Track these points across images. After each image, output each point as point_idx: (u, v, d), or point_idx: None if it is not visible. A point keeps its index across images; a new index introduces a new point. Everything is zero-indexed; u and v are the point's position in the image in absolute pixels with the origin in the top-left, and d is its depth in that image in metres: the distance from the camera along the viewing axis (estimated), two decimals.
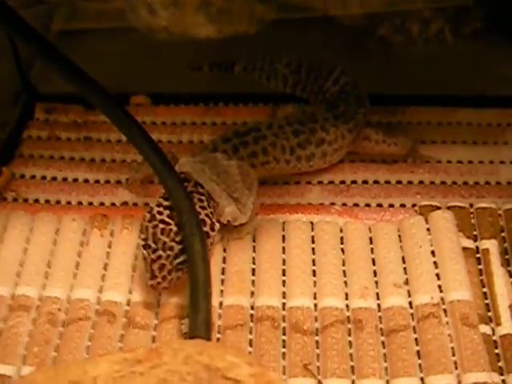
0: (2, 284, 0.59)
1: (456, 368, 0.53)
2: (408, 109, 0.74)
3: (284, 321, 0.57)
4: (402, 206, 0.65)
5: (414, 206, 0.65)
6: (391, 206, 0.65)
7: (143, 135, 0.60)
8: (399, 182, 0.67)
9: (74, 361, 0.54)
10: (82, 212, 0.65)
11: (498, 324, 0.56)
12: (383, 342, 0.55)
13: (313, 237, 0.62)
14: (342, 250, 0.61)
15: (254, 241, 0.62)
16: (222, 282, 0.59)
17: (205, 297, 0.53)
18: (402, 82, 0.78)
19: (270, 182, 0.67)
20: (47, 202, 0.67)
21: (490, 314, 0.57)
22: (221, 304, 0.58)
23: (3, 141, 0.73)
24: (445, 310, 0.56)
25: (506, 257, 0.60)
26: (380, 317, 0.57)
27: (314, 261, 0.60)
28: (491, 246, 0.61)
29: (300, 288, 0.58)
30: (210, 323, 0.53)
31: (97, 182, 0.69)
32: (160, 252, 0.55)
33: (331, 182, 0.67)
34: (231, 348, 0.52)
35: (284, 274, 0.59)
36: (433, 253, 0.60)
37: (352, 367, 0.54)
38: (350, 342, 0.55)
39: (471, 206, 0.64)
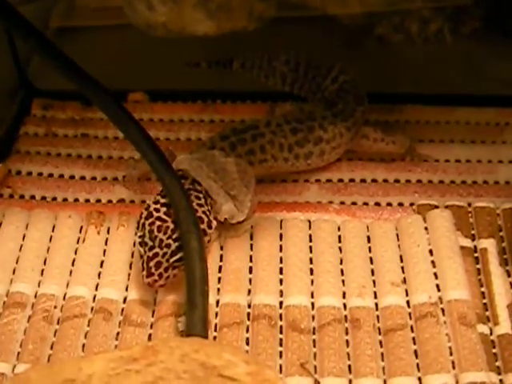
0: None
1: (453, 367, 0.53)
2: (406, 107, 0.74)
3: (281, 319, 0.56)
4: (400, 204, 0.65)
5: (411, 204, 0.65)
6: (389, 204, 0.65)
7: (141, 132, 0.60)
8: (397, 181, 0.67)
9: (70, 358, 0.54)
10: (78, 209, 0.65)
11: (496, 323, 0.56)
12: (381, 341, 0.55)
13: (310, 235, 0.62)
14: (340, 248, 0.61)
15: (251, 239, 0.62)
16: (219, 279, 0.59)
17: (201, 295, 0.53)
18: (401, 81, 0.78)
19: (267, 179, 0.66)
20: (43, 198, 0.67)
21: (487, 313, 0.57)
22: (218, 302, 0.57)
23: (0, 137, 0.73)
24: (442, 310, 0.56)
25: (504, 256, 0.60)
26: (377, 316, 0.56)
27: (311, 259, 0.60)
28: (489, 245, 0.61)
29: (297, 286, 0.58)
30: (207, 321, 0.52)
31: (93, 178, 0.68)
32: (157, 249, 0.55)
33: (329, 181, 0.67)
34: (228, 346, 0.52)
35: (281, 273, 0.59)
36: (431, 252, 0.60)
37: (349, 366, 0.54)
38: (347, 340, 0.55)
39: (469, 205, 0.64)
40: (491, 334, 0.56)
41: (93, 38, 0.85)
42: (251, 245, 0.61)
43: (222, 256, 0.61)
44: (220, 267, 0.60)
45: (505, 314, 0.56)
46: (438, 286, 0.57)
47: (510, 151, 0.69)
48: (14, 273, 0.60)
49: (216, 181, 0.60)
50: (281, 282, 0.59)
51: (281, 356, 0.54)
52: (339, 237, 0.62)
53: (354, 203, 0.65)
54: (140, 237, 0.56)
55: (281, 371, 0.53)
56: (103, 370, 0.43)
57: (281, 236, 0.62)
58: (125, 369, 0.43)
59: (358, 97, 0.69)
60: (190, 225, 0.55)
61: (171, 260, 0.55)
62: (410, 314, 0.56)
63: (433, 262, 0.59)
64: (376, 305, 0.57)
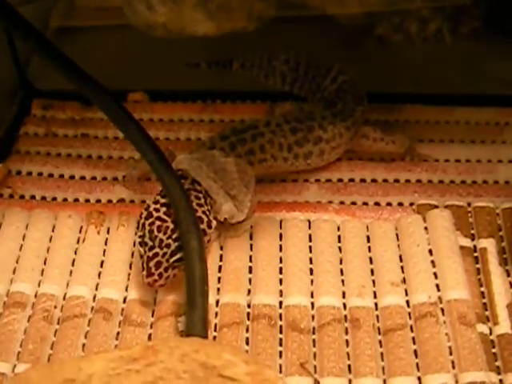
0: None
1: (453, 367, 0.53)
2: (406, 107, 0.74)
3: (281, 319, 0.56)
4: (400, 204, 0.65)
5: (411, 204, 0.65)
6: (389, 204, 0.65)
7: (140, 132, 0.60)
8: (397, 181, 0.67)
9: (70, 358, 0.54)
10: (78, 209, 0.65)
11: (496, 323, 0.56)
12: (380, 341, 0.55)
13: (310, 235, 0.62)
14: (340, 248, 0.61)
15: (251, 239, 0.62)
16: (219, 279, 0.59)
17: (201, 294, 0.53)
18: (400, 81, 0.78)
19: (267, 179, 0.66)
20: (43, 198, 0.67)
21: (487, 313, 0.57)
22: (217, 302, 0.57)
23: (0, 137, 0.73)
24: (442, 309, 0.56)
25: (504, 256, 0.60)
26: (377, 315, 0.56)
27: (311, 259, 0.60)
28: (489, 244, 0.61)
29: (297, 286, 0.58)
30: (207, 321, 0.52)
31: (93, 178, 0.68)
32: (156, 249, 0.55)
33: (329, 180, 0.67)
34: (228, 346, 0.52)
35: (281, 272, 0.59)
36: (430, 251, 0.60)
37: (349, 366, 0.54)
38: (346, 340, 0.55)
39: (469, 204, 0.64)
40: (491, 333, 0.56)
41: (93, 37, 0.85)
42: (251, 245, 0.61)
43: (221, 256, 0.61)
44: (220, 267, 0.60)
45: (504, 313, 0.56)
46: (437, 285, 0.57)
47: (510, 151, 0.69)
48: (14, 273, 0.60)
49: (216, 181, 0.60)
50: (280, 281, 0.59)
51: (280, 356, 0.54)
52: (339, 237, 0.62)
53: (353, 203, 0.65)
54: (140, 237, 0.56)
55: (280, 371, 0.53)
56: (103, 369, 0.43)
57: (280, 236, 0.62)
58: (125, 369, 0.43)
59: (358, 97, 0.69)
60: (189, 225, 0.55)
61: (171, 260, 0.55)
62: (409, 313, 0.56)
63: (432, 261, 0.59)
64: (376, 304, 0.57)
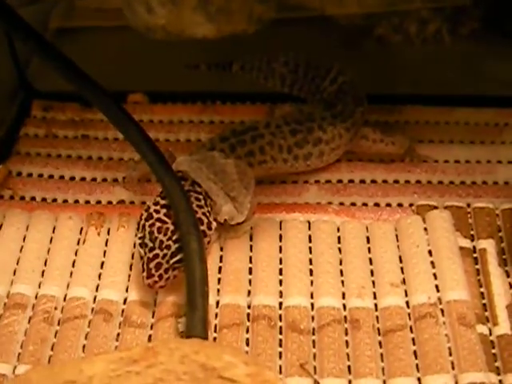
0: None
1: (453, 368, 0.53)
2: (406, 108, 0.74)
3: (281, 320, 0.56)
4: (400, 205, 0.65)
5: (411, 205, 0.65)
6: (388, 205, 0.65)
7: (140, 133, 0.60)
8: (396, 182, 0.67)
9: (70, 360, 0.54)
10: (78, 210, 0.65)
11: (495, 324, 0.56)
12: (380, 342, 0.55)
13: (310, 236, 0.62)
14: (339, 249, 0.61)
15: (250, 240, 0.62)
16: (219, 280, 0.59)
17: (201, 296, 0.53)
18: (400, 82, 0.78)
19: (267, 181, 0.67)
20: (44, 199, 0.67)
21: (487, 313, 0.57)
22: (217, 303, 0.57)
23: (0, 138, 0.73)
24: (442, 310, 0.56)
25: (504, 256, 0.60)
26: (377, 316, 0.56)
27: (310, 260, 0.60)
28: (488, 245, 0.61)
29: (297, 287, 0.58)
30: (207, 322, 0.53)
31: (94, 180, 0.69)
32: (157, 250, 0.55)
33: (328, 181, 0.67)
34: (228, 347, 0.52)
35: (281, 273, 0.59)
36: (430, 252, 0.60)
37: (349, 367, 0.54)
38: (346, 341, 0.55)
39: (468, 205, 0.64)
40: (490, 334, 0.56)
41: (92, 38, 0.86)
42: (251, 246, 0.61)
43: (221, 257, 0.61)
44: (220, 268, 0.60)
45: (504, 314, 0.56)
46: (437, 286, 0.58)
47: (509, 151, 0.69)
48: (14, 274, 0.60)
49: (216, 182, 0.60)
50: (280, 282, 0.59)
51: (280, 357, 0.54)
52: (338, 238, 0.62)
53: (353, 204, 0.65)
54: (140, 238, 0.56)
55: (280, 372, 0.53)
56: (103, 371, 0.43)
57: (280, 237, 0.62)
58: (125, 370, 0.43)
59: (357, 98, 0.69)
60: (189, 226, 0.55)
61: (171, 261, 0.55)
62: (409, 314, 0.56)
63: (432, 262, 0.59)
64: (375, 305, 0.57)
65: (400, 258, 0.60)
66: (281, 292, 0.58)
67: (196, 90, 0.76)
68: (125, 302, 0.58)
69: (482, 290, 0.58)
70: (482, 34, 0.83)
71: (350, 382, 0.53)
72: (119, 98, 0.72)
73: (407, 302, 0.57)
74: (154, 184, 0.66)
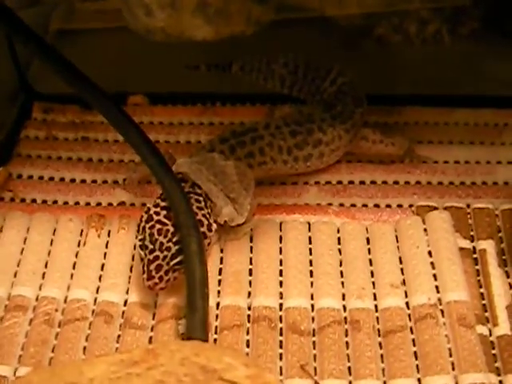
0: None
1: (453, 369, 0.53)
2: (405, 109, 0.74)
3: (281, 321, 0.57)
4: (399, 206, 0.65)
5: (411, 206, 0.65)
6: (388, 206, 0.65)
7: (140, 135, 0.60)
8: (396, 183, 0.67)
9: (71, 361, 0.54)
10: (79, 212, 0.65)
11: (495, 325, 0.56)
12: (380, 343, 0.55)
13: (310, 237, 0.62)
14: (339, 250, 0.61)
15: (251, 241, 0.62)
16: (219, 282, 0.59)
17: (202, 297, 0.53)
18: (399, 82, 0.78)
19: (267, 182, 0.67)
20: (44, 202, 0.67)
21: (487, 314, 0.57)
22: (218, 304, 0.58)
23: (0, 140, 0.73)
24: (442, 311, 0.56)
25: (503, 257, 0.60)
26: (377, 317, 0.57)
27: (311, 261, 0.60)
28: (488, 246, 0.61)
29: (297, 288, 0.58)
30: (207, 324, 0.53)
31: (94, 182, 0.69)
32: (157, 252, 0.55)
33: (328, 183, 0.67)
34: (228, 349, 0.52)
35: (281, 275, 0.59)
36: (430, 253, 0.60)
37: (349, 368, 0.54)
38: (346, 342, 0.55)
39: (468, 206, 0.64)
40: (490, 335, 0.56)
41: (92, 40, 0.86)
42: (251, 247, 0.61)
43: (222, 258, 0.61)
44: (220, 270, 0.60)
45: (504, 315, 0.56)
46: (437, 287, 0.58)
47: (509, 152, 0.69)
48: (15, 276, 0.60)
49: (216, 184, 0.60)
50: (281, 284, 0.59)
51: (281, 358, 0.54)
52: (338, 239, 0.62)
53: (353, 205, 0.65)
54: (140, 240, 0.56)
55: (281, 373, 0.54)
56: (104, 373, 0.43)
57: (280, 238, 0.62)
58: (126, 372, 0.43)
59: (357, 99, 0.69)
60: (190, 228, 0.55)
61: (171, 263, 0.55)
62: (409, 315, 0.56)
63: (432, 263, 0.59)
64: (376, 306, 0.57)
65: (400, 258, 0.60)
66: (281, 293, 0.58)
67: (196, 91, 0.76)
68: (125, 303, 0.58)
69: (481, 290, 0.58)
70: (482, 34, 0.83)
71: (350, 383, 0.53)
72: (119, 99, 0.72)
73: (407, 303, 0.57)
74: (155, 186, 0.66)
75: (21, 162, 0.70)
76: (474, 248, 0.61)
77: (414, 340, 0.55)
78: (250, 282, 0.59)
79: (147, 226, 0.57)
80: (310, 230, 0.62)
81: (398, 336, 0.55)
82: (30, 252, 0.61)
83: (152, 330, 0.56)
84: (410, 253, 0.60)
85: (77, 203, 0.67)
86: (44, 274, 0.60)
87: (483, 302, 0.58)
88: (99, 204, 0.67)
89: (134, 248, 0.61)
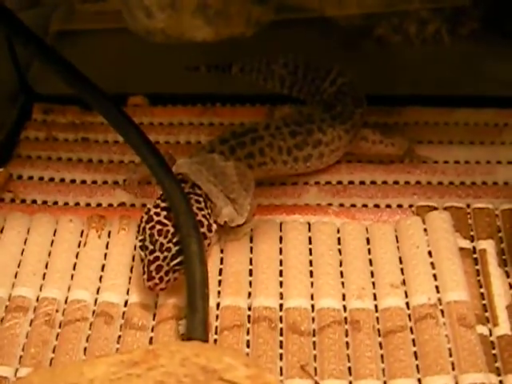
0: None
1: (453, 369, 0.53)
2: (405, 109, 0.74)
3: (281, 322, 0.57)
4: (399, 206, 0.65)
5: (411, 206, 0.65)
6: (388, 206, 0.65)
7: (140, 136, 0.60)
8: (396, 183, 0.67)
9: (71, 362, 0.54)
10: (79, 213, 0.65)
11: (496, 325, 0.56)
12: (380, 343, 0.55)
13: (310, 237, 0.62)
14: (339, 250, 0.61)
15: (251, 242, 0.62)
16: (220, 282, 0.59)
17: (202, 298, 0.53)
18: (399, 82, 0.78)
19: (267, 182, 0.67)
20: (45, 202, 0.67)
21: (487, 314, 0.57)
22: (218, 305, 0.58)
23: (1, 141, 0.74)
24: (442, 311, 0.56)
25: (503, 257, 0.60)
26: (377, 317, 0.57)
27: (311, 262, 0.60)
28: (488, 246, 0.61)
29: (297, 289, 0.58)
30: (207, 325, 0.53)
31: (94, 182, 0.69)
32: (157, 253, 0.55)
33: (328, 183, 0.67)
34: (228, 349, 0.52)
35: (281, 275, 0.59)
36: (430, 253, 0.60)
37: (349, 368, 0.54)
38: (347, 342, 0.55)
39: (468, 206, 0.64)
40: (491, 335, 0.56)
41: (92, 41, 0.86)
42: (251, 248, 0.61)
43: (222, 259, 0.61)
44: (220, 270, 0.60)
45: (504, 315, 0.56)
46: (437, 287, 0.58)
47: (509, 152, 0.69)
48: (15, 277, 0.60)
49: (216, 184, 0.60)
50: (281, 284, 0.59)
51: (281, 358, 0.55)
52: (338, 239, 0.62)
53: (353, 205, 0.65)
54: (141, 240, 0.57)
55: (281, 373, 0.54)
56: (105, 374, 0.43)
57: (280, 239, 0.62)
58: (126, 373, 0.43)
59: (357, 99, 0.69)
60: (190, 228, 0.55)
61: (172, 263, 0.55)
62: (409, 315, 0.56)
63: (432, 263, 0.59)
64: (376, 306, 0.57)
65: (400, 259, 0.60)
66: (281, 294, 0.58)
67: (196, 92, 0.76)
68: (126, 304, 0.58)
69: (482, 290, 0.58)
70: (482, 34, 0.83)
71: (350, 383, 0.53)
72: (119, 100, 0.72)
73: (407, 303, 0.57)
74: (155, 186, 0.66)
75: (21, 162, 0.70)
76: (474, 248, 0.61)
77: (414, 340, 0.55)
78: (250, 283, 0.59)
79: (147, 226, 0.57)
80: (310, 231, 0.62)
81: (398, 336, 0.55)
82: (30, 253, 0.61)
83: (152, 330, 0.56)
84: (410, 253, 0.60)
85: (77, 204, 0.67)
86: (44, 274, 0.60)
87: (483, 301, 0.58)
88: (99, 205, 0.67)
89: (135, 249, 0.61)
